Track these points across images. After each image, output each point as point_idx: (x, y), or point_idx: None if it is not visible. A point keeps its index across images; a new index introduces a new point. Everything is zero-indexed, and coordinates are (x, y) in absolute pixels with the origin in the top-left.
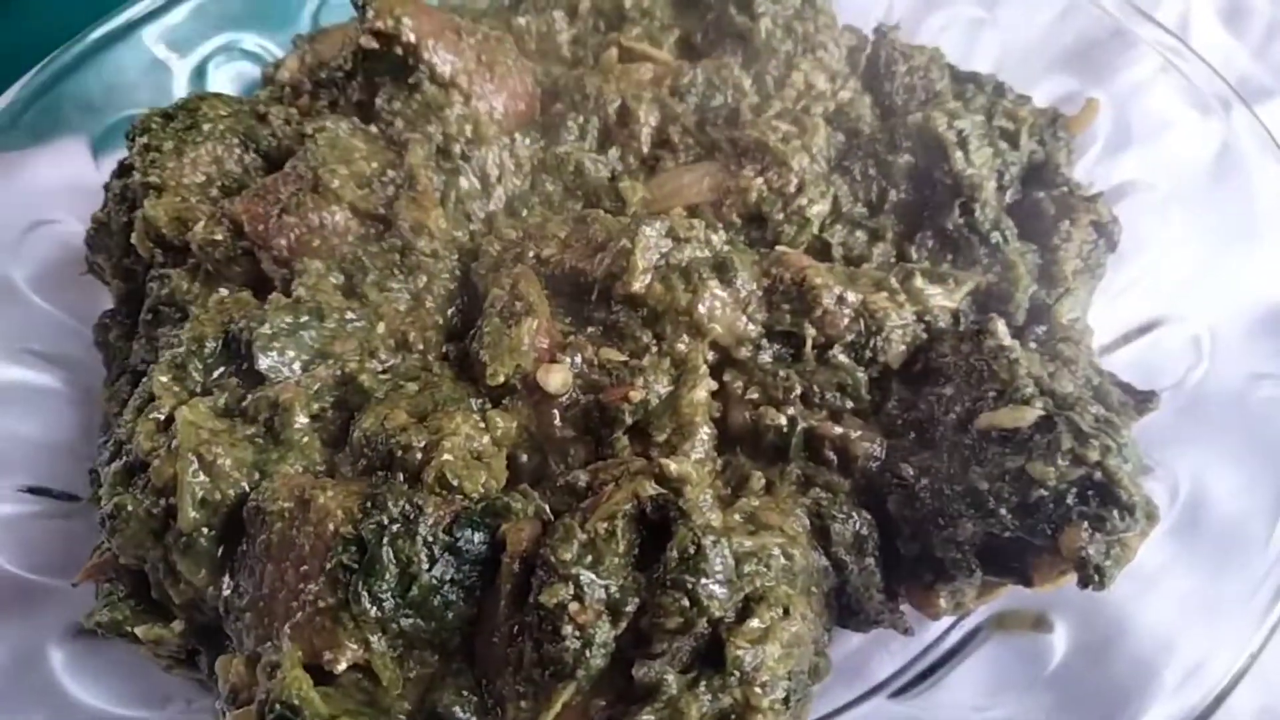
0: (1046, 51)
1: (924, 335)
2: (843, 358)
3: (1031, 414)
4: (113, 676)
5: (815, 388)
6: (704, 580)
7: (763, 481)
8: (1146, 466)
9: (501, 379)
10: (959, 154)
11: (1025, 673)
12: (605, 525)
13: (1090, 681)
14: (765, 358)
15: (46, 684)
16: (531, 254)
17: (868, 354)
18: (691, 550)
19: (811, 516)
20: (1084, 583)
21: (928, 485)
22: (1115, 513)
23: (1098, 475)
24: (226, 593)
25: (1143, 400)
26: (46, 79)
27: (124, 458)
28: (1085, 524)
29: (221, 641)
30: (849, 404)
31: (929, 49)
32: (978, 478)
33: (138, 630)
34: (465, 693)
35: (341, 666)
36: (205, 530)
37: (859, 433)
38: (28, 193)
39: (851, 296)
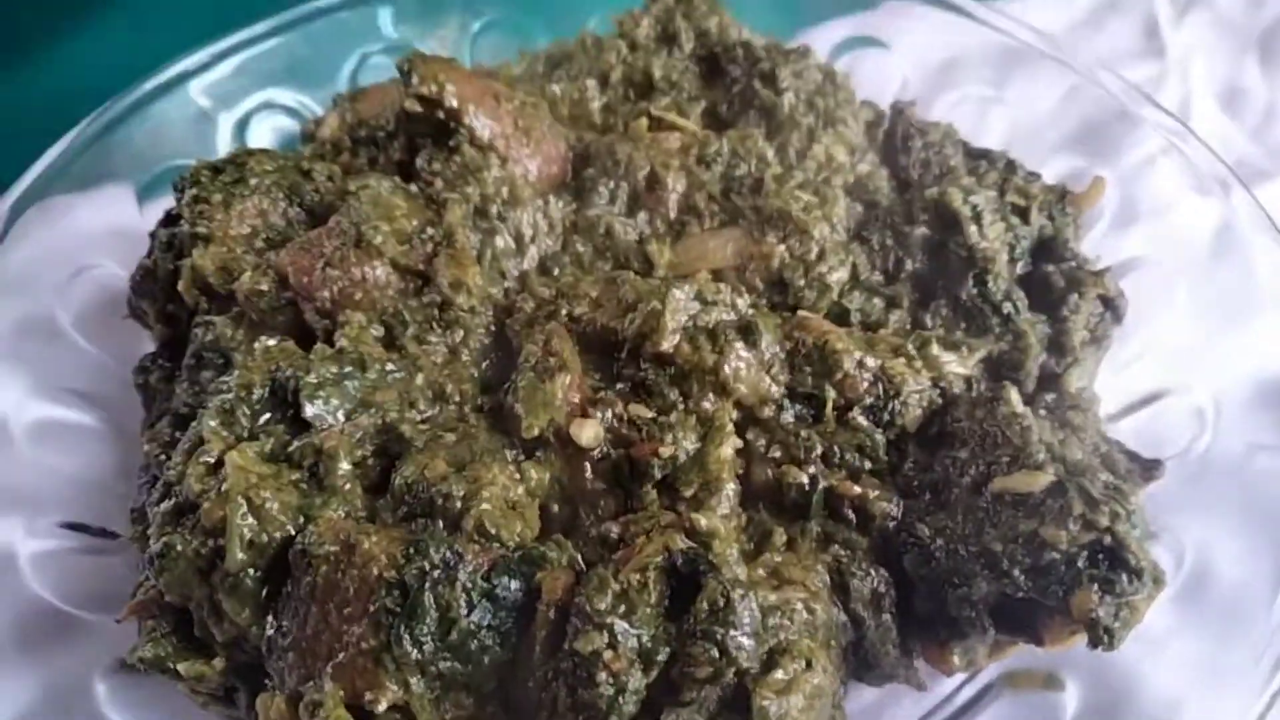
0: (1054, 130)
1: (939, 400)
2: (862, 420)
3: (1044, 479)
4: (151, 712)
5: (835, 448)
6: (732, 632)
7: (785, 538)
8: (1151, 533)
9: (536, 432)
10: (973, 228)
11: None
12: (638, 577)
13: None
14: (787, 418)
15: (92, 716)
16: (564, 312)
17: (885, 417)
18: (721, 603)
19: (831, 573)
20: (1094, 643)
21: (943, 545)
22: (1124, 576)
23: (1107, 540)
24: (270, 632)
25: (1149, 468)
26: (98, 129)
27: (173, 499)
28: (1095, 586)
29: (260, 680)
30: (867, 464)
31: (943, 125)
32: (992, 539)
33: (180, 667)
34: None
35: (382, 707)
36: (251, 571)
37: (877, 493)
38: (74, 237)
39: (870, 361)
